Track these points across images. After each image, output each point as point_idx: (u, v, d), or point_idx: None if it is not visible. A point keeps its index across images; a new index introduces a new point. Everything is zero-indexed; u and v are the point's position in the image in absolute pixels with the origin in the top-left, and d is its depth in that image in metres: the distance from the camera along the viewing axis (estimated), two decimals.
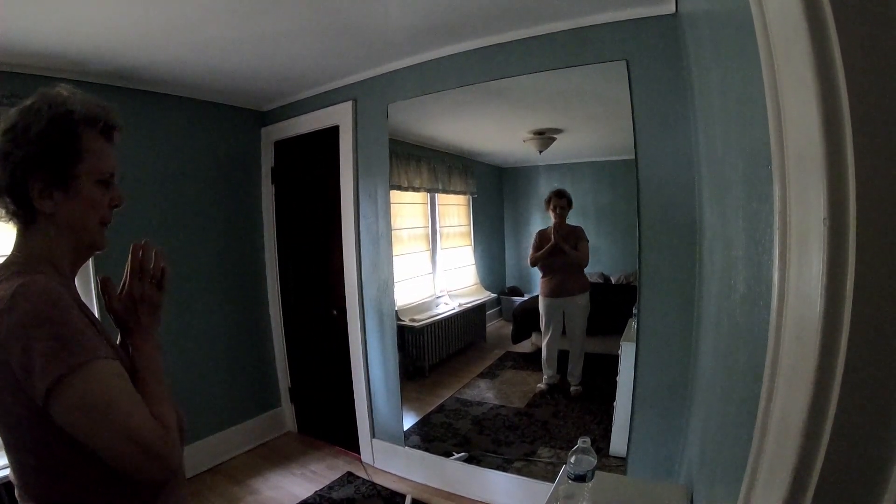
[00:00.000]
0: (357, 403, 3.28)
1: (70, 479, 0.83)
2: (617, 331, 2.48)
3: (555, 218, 2.73)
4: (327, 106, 3.20)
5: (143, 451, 0.81)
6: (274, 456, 3.42)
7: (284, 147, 3.60)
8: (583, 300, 2.73)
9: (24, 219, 0.89)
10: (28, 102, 0.89)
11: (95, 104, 0.93)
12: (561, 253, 2.73)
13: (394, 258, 3.02)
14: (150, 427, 0.83)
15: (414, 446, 3.06)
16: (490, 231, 3.22)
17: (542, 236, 2.79)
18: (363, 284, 3.16)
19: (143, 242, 1.02)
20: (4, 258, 0.91)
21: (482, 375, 3.15)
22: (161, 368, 0.98)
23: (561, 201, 2.71)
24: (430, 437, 3.06)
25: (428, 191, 3.23)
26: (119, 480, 0.83)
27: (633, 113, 2.18)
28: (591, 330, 2.74)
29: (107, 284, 1.02)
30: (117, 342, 1.02)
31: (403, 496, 2.84)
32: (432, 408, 3.14)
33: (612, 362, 2.46)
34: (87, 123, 0.91)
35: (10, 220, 0.91)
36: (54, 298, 0.80)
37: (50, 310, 0.79)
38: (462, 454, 2.89)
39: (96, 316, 0.96)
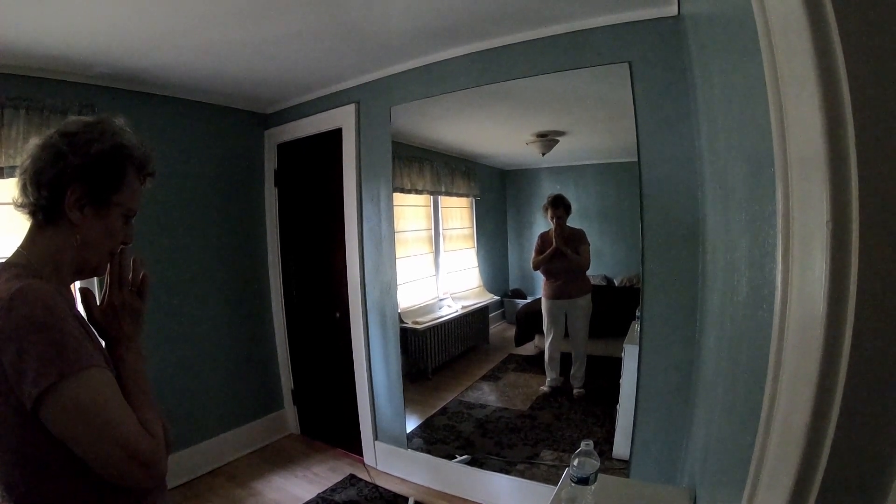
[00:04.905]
0: (360, 406, 3.28)
1: (53, 482, 0.83)
2: (620, 333, 2.48)
3: (554, 225, 2.73)
4: (330, 109, 3.21)
5: (131, 459, 0.82)
6: (276, 458, 3.42)
7: (288, 150, 3.61)
8: (584, 302, 2.73)
9: (46, 217, 0.92)
10: (92, 120, 0.98)
11: (144, 149, 1.03)
12: (563, 256, 2.73)
13: (397, 261, 3.02)
14: (140, 435, 0.84)
15: (417, 449, 3.05)
16: (493, 233, 3.22)
17: (544, 239, 2.79)
18: (366, 287, 3.16)
19: (119, 251, 1.02)
20: (11, 255, 0.93)
21: (485, 378, 3.15)
22: (145, 377, 0.98)
23: (557, 211, 2.72)
24: (433, 439, 3.06)
25: (431, 193, 3.23)
26: (102, 486, 0.84)
27: (635, 115, 2.18)
28: (594, 332, 2.73)
29: (87, 296, 1.02)
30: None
31: (406, 498, 2.84)
32: (435, 410, 3.14)
33: (616, 365, 2.45)
34: (136, 163, 1.00)
35: (31, 212, 0.93)
36: (51, 305, 0.81)
37: (46, 316, 0.80)
38: (465, 457, 2.89)
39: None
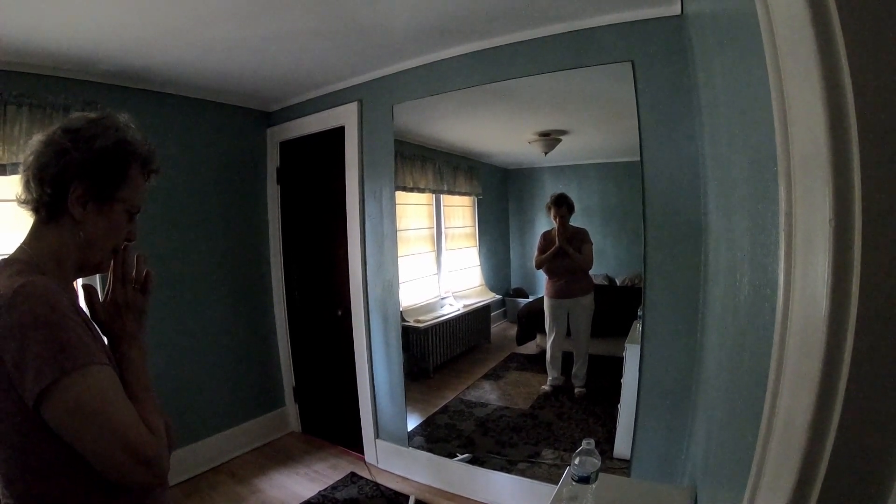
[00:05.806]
0: (361, 404, 3.28)
1: (53, 480, 0.82)
2: (622, 333, 2.48)
3: (557, 224, 2.73)
4: (333, 107, 3.21)
5: (132, 457, 0.81)
6: (278, 456, 3.43)
7: (290, 148, 3.61)
8: (587, 302, 2.73)
9: (48, 213, 0.92)
10: (95, 116, 0.98)
11: (148, 145, 1.02)
12: (565, 256, 2.73)
13: (399, 259, 3.03)
14: (141, 433, 0.83)
15: (418, 447, 3.06)
16: (495, 232, 3.22)
17: (547, 238, 2.79)
18: (368, 285, 3.16)
19: (122, 248, 1.02)
20: (14, 251, 0.93)
21: (486, 377, 3.15)
22: (148, 375, 0.97)
23: (560, 210, 2.71)
24: (434, 437, 3.06)
25: (433, 192, 3.23)
26: (103, 484, 0.83)
27: (638, 114, 2.18)
28: (595, 332, 2.73)
29: (90, 293, 1.01)
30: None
31: (407, 497, 2.84)
32: (436, 409, 3.14)
33: (617, 364, 2.45)
34: (139, 159, 1.00)
35: (34, 208, 0.93)
36: (53, 302, 0.81)
37: (49, 313, 0.79)
38: (466, 455, 2.89)
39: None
